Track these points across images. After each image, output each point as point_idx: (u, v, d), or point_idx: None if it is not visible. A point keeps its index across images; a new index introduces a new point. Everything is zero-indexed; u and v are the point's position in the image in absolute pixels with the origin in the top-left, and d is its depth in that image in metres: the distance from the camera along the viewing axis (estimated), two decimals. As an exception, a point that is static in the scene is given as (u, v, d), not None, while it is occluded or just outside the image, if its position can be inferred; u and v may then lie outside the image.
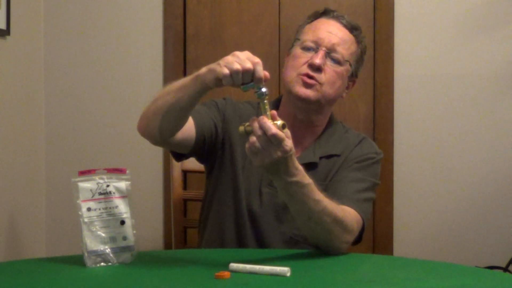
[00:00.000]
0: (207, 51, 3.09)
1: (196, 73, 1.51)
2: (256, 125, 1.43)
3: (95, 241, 1.47)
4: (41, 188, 3.08)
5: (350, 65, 1.80)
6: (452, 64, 3.01)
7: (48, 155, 3.09)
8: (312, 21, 1.83)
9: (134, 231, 1.51)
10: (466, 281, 1.40)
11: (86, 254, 1.47)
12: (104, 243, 1.48)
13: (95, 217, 1.48)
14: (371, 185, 1.77)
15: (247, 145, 1.46)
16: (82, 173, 1.50)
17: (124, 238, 1.50)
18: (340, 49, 1.77)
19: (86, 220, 1.48)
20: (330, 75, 1.76)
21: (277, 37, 3.07)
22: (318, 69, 1.74)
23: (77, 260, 1.48)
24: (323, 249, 1.62)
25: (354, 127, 1.97)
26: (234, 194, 1.80)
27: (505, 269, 2.81)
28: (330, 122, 1.86)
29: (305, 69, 1.74)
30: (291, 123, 1.72)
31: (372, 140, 1.91)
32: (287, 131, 1.45)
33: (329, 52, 1.76)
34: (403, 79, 3.03)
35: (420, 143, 3.03)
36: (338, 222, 1.57)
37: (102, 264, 1.47)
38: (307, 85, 1.74)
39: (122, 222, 1.50)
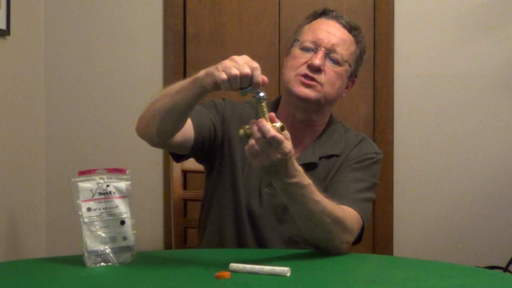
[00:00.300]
0: (207, 51, 3.09)
1: (194, 76, 1.51)
2: (255, 127, 1.43)
3: (95, 241, 1.47)
4: (41, 188, 3.08)
5: (350, 65, 1.80)
6: (452, 64, 3.01)
7: (48, 155, 3.09)
8: (311, 21, 1.83)
9: (134, 231, 1.51)
10: (466, 281, 1.39)
11: (86, 254, 1.47)
12: (104, 243, 1.48)
13: (95, 217, 1.48)
14: (371, 185, 1.77)
15: (246, 148, 1.46)
16: (82, 173, 1.50)
17: (124, 238, 1.50)
18: (339, 49, 1.77)
19: (86, 220, 1.48)
20: (329, 75, 1.76)
21: (277, 37, 3.07)
22: (317, 70, 1.74)
23: (77, 260, 1.48)
24: (323, 249, 1.61)
25: (354, 127, 1.97)
26: (233, 195, 1.80)
27: (505, 269, 2.81)
28: (330, 122, 1.86)
29: (304, 70, 1.74)
30: (290, 123, 1.72)
31: (372, 140, 1.91)
32: (286, 133, 1.45)
33: (328, 53, 1.76)
34: (403, 79, 3.03)
35: (420, 143, 3.03)
36: (338, 222, 1.57)
37: (102, 264, 1.47)
38: (306, 85, 1.74)
39: (122, 222, 1.50)
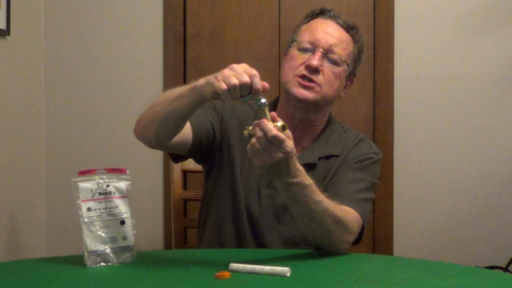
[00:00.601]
0: (207, 51, 3.09)
1: (193, 84, 1.51)
2: (256, 127, 1.43)
3: (95, 241, 1.47)
4: (41, 188, 3.08)
5: (348, 65, 1.80)
6: (452, 64, 3.01)
7: (48, 155, 3.09)
8: (308, 21, 1.83)
9: (134, 231, 1.51)
10: (466, 281, 1.40)
11: (86, 254, 1.47)
12: (104, 243, 1.48)
13: (95, 217, 1.48)
14: (371, 185, 1.77)
15: (248, 146, 1.46)
16: (82, 173, 1.50)
17: (124, 238, 1.50)
18: (337, 49, 1.76)
19: (86, 220, 1.48)
20: (328, 76, 1.75)
21: (277, 37, 3.07)
22: (315, 70, 1.74)
23: (77, 260, 1.48)
24: (323, 249, 1.62)
25: (354, 127, 1.97)
26: (233, 195, 1.80)
27: (505, 269, 2.81)
28: (329, 122, 1.86)
29: (302, 71, 1.74)
30: (289, 123, 1.70)
31: (372, 140, 1.91)
32: (288, 132, 1.45)
33: (326, 53, 1.76)
34: (403, 79, 3.03)
35: (420, 143, 3.03)
36: (339, 222, 1.57)
37: (102, 264, 1.47)
38: (304, 87, 1.74)
39: (122, 222, 1.50)
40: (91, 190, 1.49)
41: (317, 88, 1.74)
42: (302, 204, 1.53)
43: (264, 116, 1.43)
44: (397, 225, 3.04)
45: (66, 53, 3.10)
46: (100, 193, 1.49)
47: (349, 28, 1.81)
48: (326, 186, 1.73)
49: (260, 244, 1.78)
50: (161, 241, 3.09)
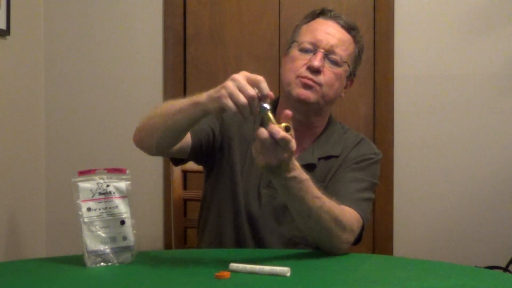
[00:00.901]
0: (207, 51, 3.09)
1: (195, 100, 1.48)
2: (262, 129, 1.43)
3: (95, 241, 1.47)
4: (41, 188, 3.08)
5: (348, 65, 1.80)
6: (452, 64, 3.01)
7: (48, 155, 3.09)
8: (309, 21, 1.83)
9: (134, 231, 1.51)
10: (466, 281, 1.39)
11: (86, 254, 1.47)
12: (104, 243, 1.48)
13: (95, 217, 1.48)
14: (370, 185, 1.77)
15: (253, 146, 1.45)
16: (82, 173, 1.50)
17: (124, 238, 1.50)
18: (338, 50, 1.76)
19: (86, 220, 1.48)
20: (328, 76, 1.75)
21: (277, 37, 3.07)
22: (317, 71, 1.74)
23: (77, 260, 1.48)
24: (323, 249, 1.61)
25: (354, 127, 1.97)
26: (232, 196, 1.80)
27: (505, 269, 2.81)
28: (329, 122, 1.86)
29: (304, 72, 1.74)
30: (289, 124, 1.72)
31: (372, 140, 1.91)
32: (291, 132, 1.45)
33: (327, 54, 1.75)
34: (403, 79, 3.03)
35: (420, 143, 3.03)
36: (337, 221, 1.57)
37: (102, 264, 1.47)
38: (306, 87, 1.74)
39: (122, 222, 1.50)
40: (91, 190, 1.49)
41: (318, 88, 1.74)
42: (300, 200, 1.51)
43: (268, 119, 1.43)
44: (397, 225, 3.04)
45: (66, 53, 3.10)
46: (100, 193, 1.49)
47: (350, 29, 1.80)
48: (326, 187, 1.73)
49: (260, 244, 1.77)
50: (161, 241, 3.09)
